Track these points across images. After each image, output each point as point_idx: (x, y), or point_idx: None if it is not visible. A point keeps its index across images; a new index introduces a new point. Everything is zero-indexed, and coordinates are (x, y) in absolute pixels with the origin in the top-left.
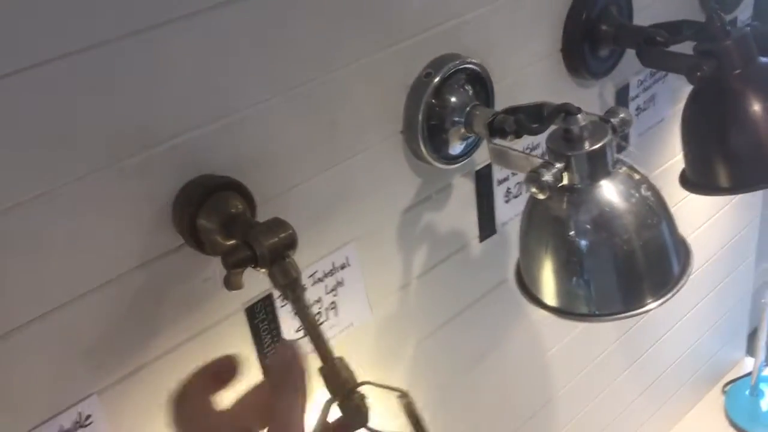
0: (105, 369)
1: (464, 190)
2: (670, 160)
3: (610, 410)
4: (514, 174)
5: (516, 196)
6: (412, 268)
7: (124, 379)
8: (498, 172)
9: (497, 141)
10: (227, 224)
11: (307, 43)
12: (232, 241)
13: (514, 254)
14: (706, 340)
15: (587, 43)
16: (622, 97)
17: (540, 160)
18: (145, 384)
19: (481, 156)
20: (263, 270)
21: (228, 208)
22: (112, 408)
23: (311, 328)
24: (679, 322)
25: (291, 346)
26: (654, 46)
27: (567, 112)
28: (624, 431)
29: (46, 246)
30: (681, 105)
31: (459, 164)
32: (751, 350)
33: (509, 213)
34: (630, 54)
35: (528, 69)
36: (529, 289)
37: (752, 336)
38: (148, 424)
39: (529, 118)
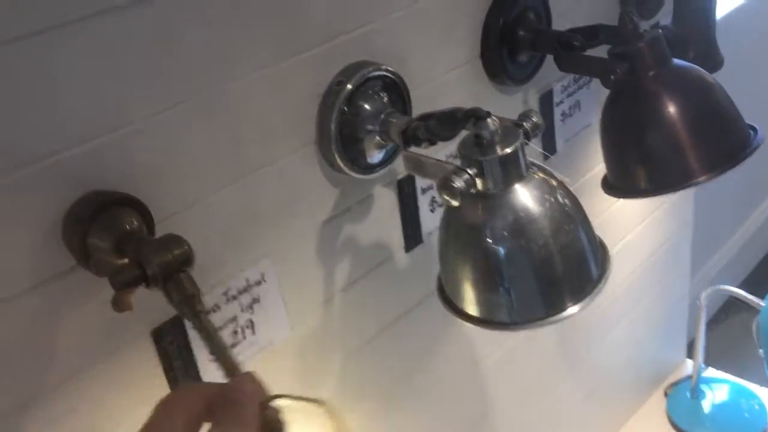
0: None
1: (386, 200)
2: (598, 165)
3: (552, 418)
4: None
5: (441, 205)
6: (335, 281)
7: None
8: (421, 181)
9: (413, 149)
10: (120, 243)
11: (206, 51)
12: (124, 260)
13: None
14: (645, 343)
15: (506, 48)
16: (546, 102)
17: (452, 167)
18: (38, 415)
19: (398, 166)
20: (156, 289)
21: (121, 225)
22: None
23: (212, 342)
24: (616, 326)
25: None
26: (570, 51)
27: (477, 116)
28: None
29: None
30: None
31: (378, 174)
32: (691, 353)
33: (436, 222)
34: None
35: (447, 76)
36: (450, 301)
37: (692, 339)
38: None
39: (440, 124)
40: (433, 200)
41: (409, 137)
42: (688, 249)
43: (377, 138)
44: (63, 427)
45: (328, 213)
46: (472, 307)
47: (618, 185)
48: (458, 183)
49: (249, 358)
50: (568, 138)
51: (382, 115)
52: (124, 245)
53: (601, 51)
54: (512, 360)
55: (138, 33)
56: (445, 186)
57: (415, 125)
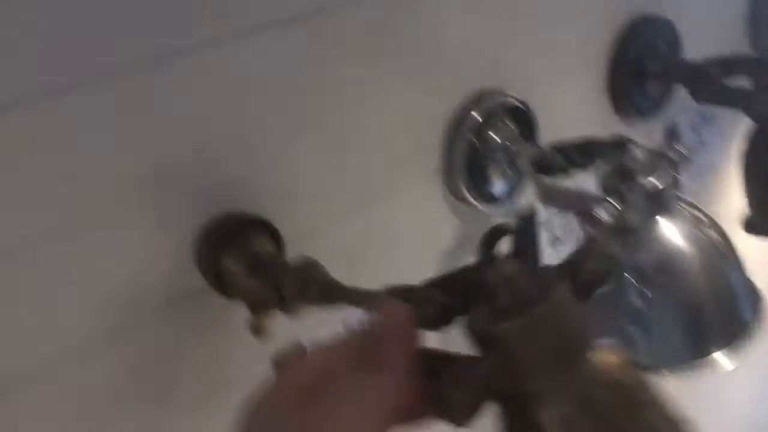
0: None
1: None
2: (723, 207)
3: None
4: (560, 215)
5: (563, 242)
6: None
7: None
8: (542, 215)
9: (544, 178)
10: (254, 265)
11: (339, 76)
12: (258, 283)
13: None
14: (756, 402)
15: (634, 80)
16: (670, 139)
17: (596, 195)
18: None
19: (525, 198)
20: (291, 313)
21: (254, 247)
22: None
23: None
24: (732, 381)
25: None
26: (708, 82)
27: (621, 144)
28: None
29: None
30: (732, 150)
31: (502, 206)
32: None
33: (555, 260)
34: (678, 95)
35: (572, 107)
36: None
37: None
38: None
39: (579, 153)
40: (556, 237)
41: (542, 166)
42: None
43: (504, 168)
44: None
45: (450, 244)
46: None
47: (762, 225)
48: (604, 215)
49: None
50: (692, 177)
51: (510, 144)
52: (257, 268)
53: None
54: None
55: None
56: (590, 217)
57: (549, 153)
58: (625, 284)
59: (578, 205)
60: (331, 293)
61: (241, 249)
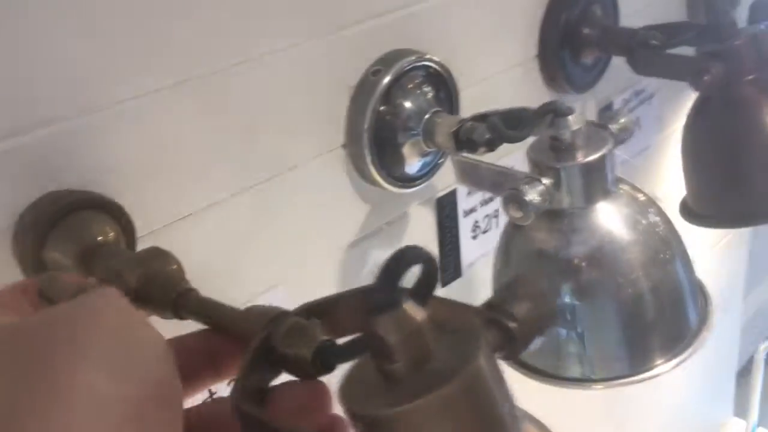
0: None
1: (423, 221)
2: (656, 192)
3: None
4: (483, 204)
5: (485, 231)
6: None
7: None
8: (463, 201)
9: (465, 154)
10: (88, 257)
11: (217, 18)
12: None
13: (481, 301)
14: (691, 402)
15: (567, 48)
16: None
17: (522, 174)
18: None
19: (443, 180)
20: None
21: (91, 235)
22: None
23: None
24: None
25: None
26: (648, 51)
27: (556, 112)
28: None
29: None
30: (668, 131)
31: (416, 188)
32: (738, 411)
33: (477, 251)
34: (612, 70)
35: (498, 77)
36: None
37: (738, 395)
38: None
39: (506, 123)
40: (476, 225)
41: (463, 140)
42: (740, 293)
43: (418, 142)
44: None
45: (354, 234)
46: (533, 356)
47: (701, 212)
48: (531, 195)
49: None
50: (623, 161)
51: (426, 115)
52: (92, 260)
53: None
54: (552, 415)
55: None
56: (515, 198)
57: (470, 125)
58: (556, 280)
59: (503, 186)
60: (176, 300)
61: (71, 236)
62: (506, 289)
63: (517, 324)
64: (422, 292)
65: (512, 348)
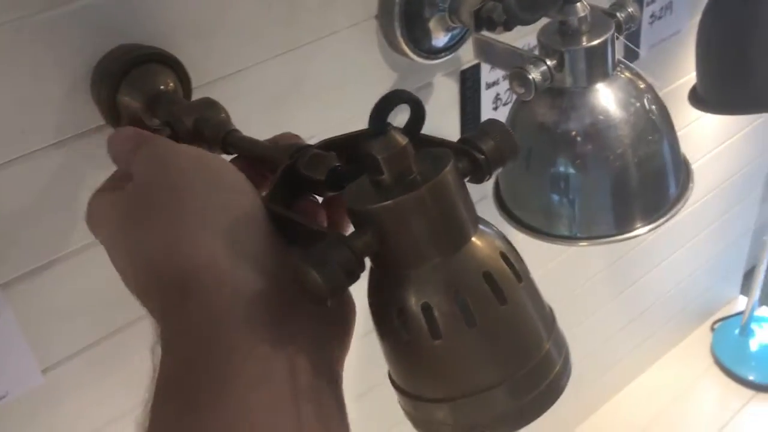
0: (10, 262)
1: (446, 91)
2: (683, 78)
3: (591, 339)
4: (505, 78)
5: (506, 103)
6: None
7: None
8: (487, 74)
9: (484, 33)
10: (152, 103)
11: None
12: (157, 122)
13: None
14: (700, 274)
15: None
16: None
17: (530, 54)
18: (60, 280)
19: (468, 54)
20: None
21: (155, 84)
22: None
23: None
24: (674, 253)
25: None
26: None
27: (565, 0)
28: (605, 362)
29: None
30: (699, 17)
31: (442, 59)
32: (745, 289)
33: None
34: None
35: None
36: (507, 207)
37: (748, 274)
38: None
39: (521, 6)
40: (497, 97)
41: (483, 19)
42: (762, 180)
43: (445, 18)
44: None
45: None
46: (530, 216)
47: (708, 98)
48: (534, 74)
49: None
50: (655, 43)
51: None
52: (157, 106)
53: None
54: (559, 275)
55: None
56: (519, 76)
57: (491, 5)
58: (553, 150)
59: (512, 64)
60: (225, 137)
61: (140, 85)
62: (478, 130)
63: (484, 156)
64: (412, 128)
65: (478, 174)
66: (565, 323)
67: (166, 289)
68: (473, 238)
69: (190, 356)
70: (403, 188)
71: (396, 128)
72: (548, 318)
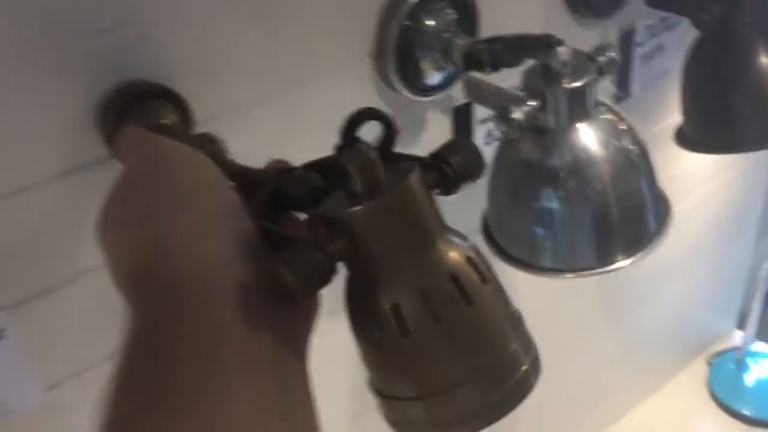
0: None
1: (439, 126)
2: (675, 115)
3: (583, 372)
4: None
5: (498, 139)
6: None
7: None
8: (480, 111)
9: (475, 74)
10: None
11: None
12: None
13: (484, 205)
14: (695, 308)
15: None
16: (627, 42)
17: (513, 96)
18: (63, 304)
19: (456, 92)
20: None
21: (158, 118)
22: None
23: None
24: (667, 286)
25: None
26: None
27: (548, 44)
28: (599, 395)
29: None
30: None
31: (434, 97)
32: (741, 324)
33: (489, 157)
34: None
35: (521, 1)
36: (494, 239)
37: (744, 309)
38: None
39: (507, 48)
40: (489, 133)
41: (472, 60)
42: (756, 216)
43: (438, 58)
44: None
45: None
46: (515, 248)
47: (694, 138)
48: (517, 114)
49: None
50: (646, 83)
51: (447, 34)
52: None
53: None
54: (550, 306)
55: None
56: (503, 116)
57: (480, 47)
58: (536, 186)
59: (498, 103)
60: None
61: (143, 118)
62: (447, 146)
63: (452, 170)
64: (385, 144)
65: (446, 187)
66: (558, 355)
67: (145, 282)
68: (440, 243)
69: (172, 344)
70: (372, 196)
71: (365, 142)
72: (515, 320)
